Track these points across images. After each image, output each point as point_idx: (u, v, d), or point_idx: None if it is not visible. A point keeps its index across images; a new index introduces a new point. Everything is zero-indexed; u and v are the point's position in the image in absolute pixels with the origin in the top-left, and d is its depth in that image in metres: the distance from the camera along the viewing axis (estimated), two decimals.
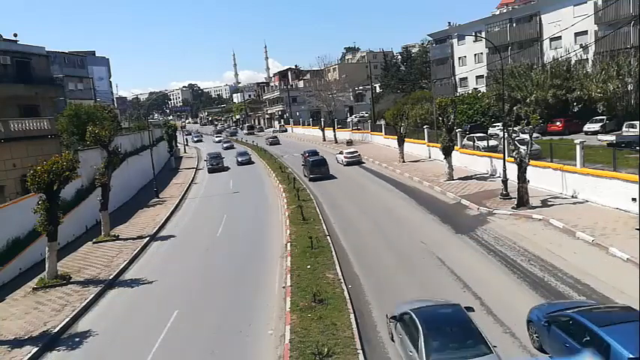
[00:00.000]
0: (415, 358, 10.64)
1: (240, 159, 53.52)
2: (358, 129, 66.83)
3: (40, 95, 35.78)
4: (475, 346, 10.45)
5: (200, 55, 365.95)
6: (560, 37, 49.51)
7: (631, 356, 8.77)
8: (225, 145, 73.84)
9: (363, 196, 31.43)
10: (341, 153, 46.15)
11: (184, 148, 75.74)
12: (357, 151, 45.85)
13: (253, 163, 53.31)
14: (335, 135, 64.61)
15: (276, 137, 75.17)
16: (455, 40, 66.25)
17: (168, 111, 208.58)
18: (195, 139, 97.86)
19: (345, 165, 43.82)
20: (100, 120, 35.10)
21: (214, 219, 29.79)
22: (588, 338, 9.87)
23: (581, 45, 47.10)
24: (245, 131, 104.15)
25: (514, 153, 24.27)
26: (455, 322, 11.20)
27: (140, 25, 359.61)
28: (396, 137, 42.66)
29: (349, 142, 59.75)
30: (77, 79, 53.67)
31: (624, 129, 35.11)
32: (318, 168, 39.38)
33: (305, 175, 40.86)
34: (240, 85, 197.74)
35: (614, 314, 11.00)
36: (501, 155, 27.46)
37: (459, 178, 32.20)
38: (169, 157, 62.04)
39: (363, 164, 43.97)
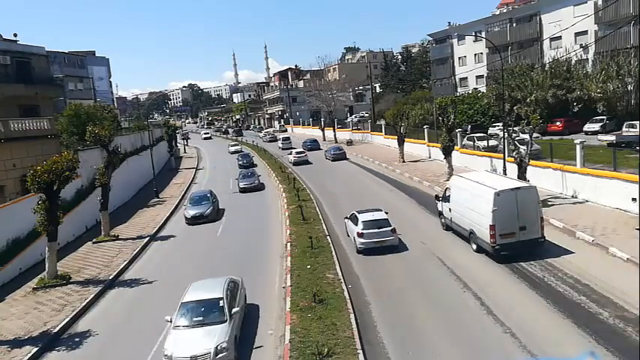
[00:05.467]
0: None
1: None
2: (358, 129, 66.81)
3: (40, 95, 35.67)
4: None
5: (200, 55, 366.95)
6: (560, 37, 49.45)
7: None
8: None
9: (364, 195, 31.32)
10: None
11: (184, 148, 75.69)
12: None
13: None
14: (335, 135, 64.59)
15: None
16: (455, 40, 66.25)
17: (168, 111, 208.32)
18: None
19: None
20: (99, 120, 35.16)
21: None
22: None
23: (581, 45, 47.07)
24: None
25: (514, 153, 24.27)
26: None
27: (140, 24, 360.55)
28: (396, 137, 42.67)
29: (349, 142, 59.73)
30: (77, 79, 53.79)
31: (624, 129, 35.05)
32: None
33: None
34: (240, 85, 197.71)
35: None
36: (501, 155, 27.46)
37: None
38: (169, 157, 62.01)
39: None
